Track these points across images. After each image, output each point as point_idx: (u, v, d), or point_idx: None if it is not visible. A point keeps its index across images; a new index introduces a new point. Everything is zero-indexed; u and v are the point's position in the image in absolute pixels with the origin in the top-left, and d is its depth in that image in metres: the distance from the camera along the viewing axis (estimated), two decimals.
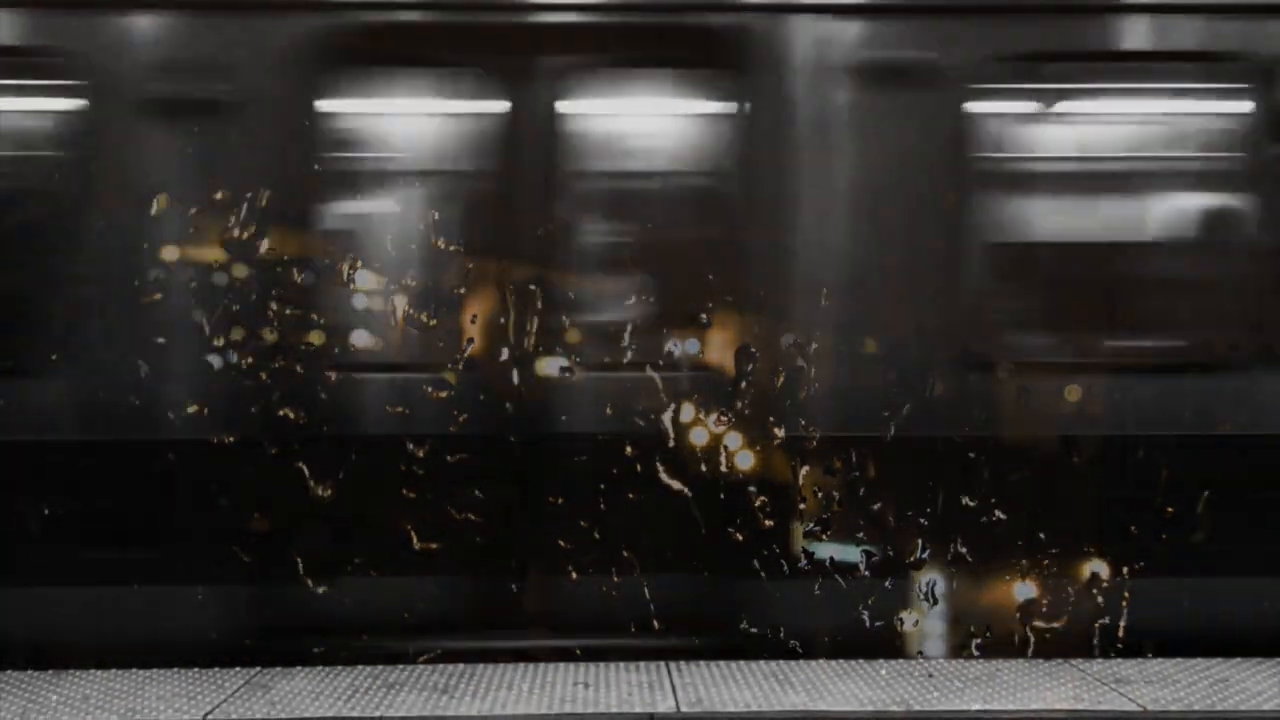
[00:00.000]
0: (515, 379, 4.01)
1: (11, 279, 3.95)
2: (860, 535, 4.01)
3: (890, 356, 3.99)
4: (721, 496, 4.00)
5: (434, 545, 3.98)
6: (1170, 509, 4.02)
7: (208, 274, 3.94)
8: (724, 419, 4.00)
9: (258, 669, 3.82)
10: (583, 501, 3.99)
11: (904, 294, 4.00)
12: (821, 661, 3.91)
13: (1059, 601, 4.03)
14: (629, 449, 3.99)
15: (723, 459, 4.01)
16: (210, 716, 3.33)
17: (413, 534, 3.97)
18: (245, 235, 3.95)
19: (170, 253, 3.94)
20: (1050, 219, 4.17)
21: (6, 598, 3.89)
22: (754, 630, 4.00)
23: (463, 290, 4.03)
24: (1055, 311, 4.10)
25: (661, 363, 4.03)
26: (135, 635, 3.90)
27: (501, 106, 4.05)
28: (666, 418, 4.01)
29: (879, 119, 4.02)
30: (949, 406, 4.00)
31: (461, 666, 3.85)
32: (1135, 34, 4.08)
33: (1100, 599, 4.03)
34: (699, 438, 4.01)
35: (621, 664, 3.89)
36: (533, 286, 4.02)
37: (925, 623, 4.02)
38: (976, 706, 3.42)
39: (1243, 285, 4.09)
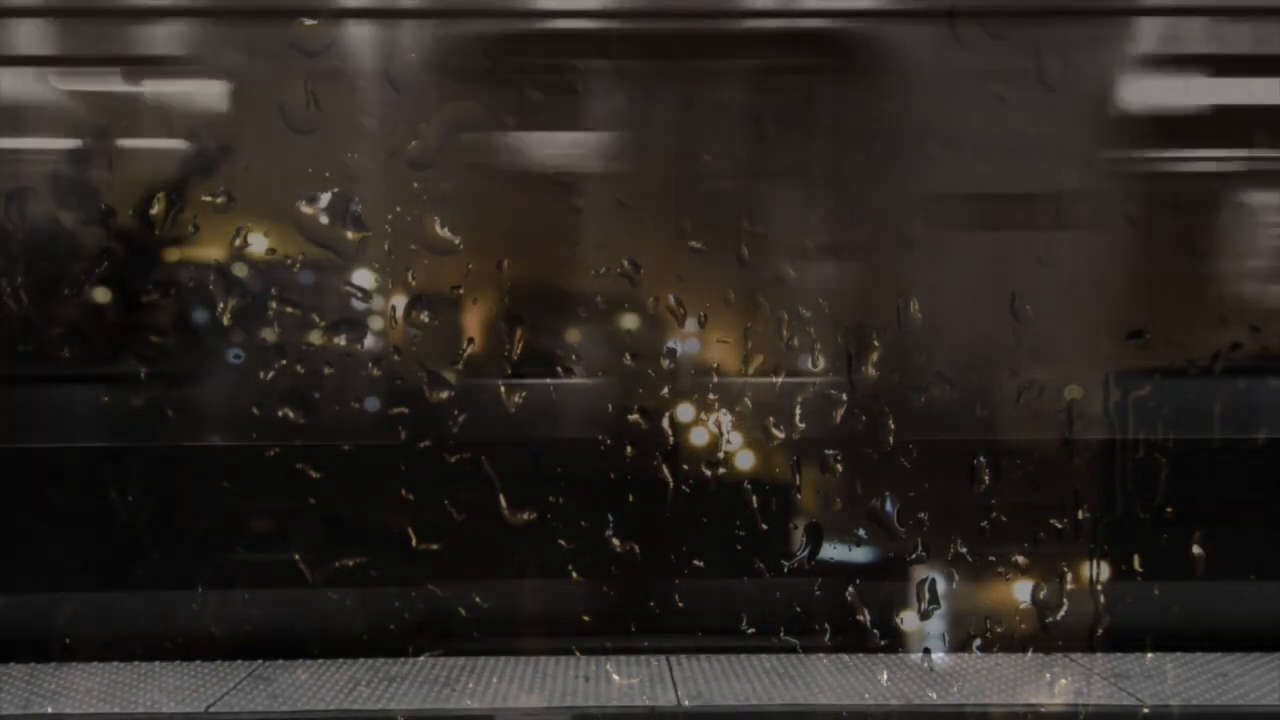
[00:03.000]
0: None
1: None
2: None
3: None
4: None
5: None
6: None
7: None
8: None
9: (260, 662, 3.83)
10: None
11: None
12: (821, 655, 3.92)
13: None
14: None
15: None
16: (212, 709, 3.35)
17: None
18: None
19: None
20: None
21: None
22: None
23: None
24: None
25: None
26: None
27: None
28: None
29: None
30: None
31: (463, 660, 3.86)
32: None
33: None
34: None
35: (623, 658, 3.90)
36: None
37: None
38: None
39: None
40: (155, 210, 3.80)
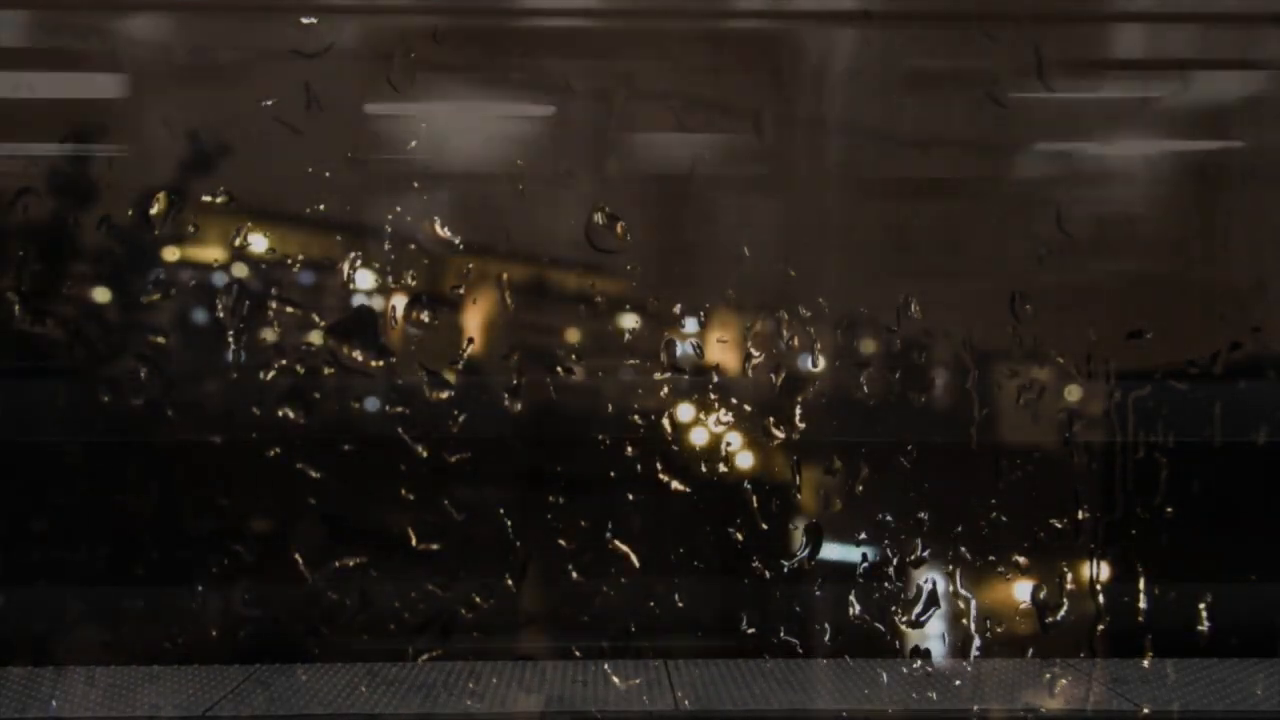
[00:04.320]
0: None
1: None
2: None
3: None
4: None
5: None
6: None
7: None
8: None
9: (258, 665, 3.83)
10: None
11: None
12: (820, 660, 3.91)
13: None
14: None
15: None
16: (210, 713, 3.34)
17: None
18: None
19: None
20: None
21: None
22: None
23: None
24: None
25: None
26: None
27: None
28: None
29: None
30: None
31: (461, 664, 3.85)
32: None
33: None
34: None
35: (620, 661, 3.89)
36: None
37: None
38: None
39: None
40: None
